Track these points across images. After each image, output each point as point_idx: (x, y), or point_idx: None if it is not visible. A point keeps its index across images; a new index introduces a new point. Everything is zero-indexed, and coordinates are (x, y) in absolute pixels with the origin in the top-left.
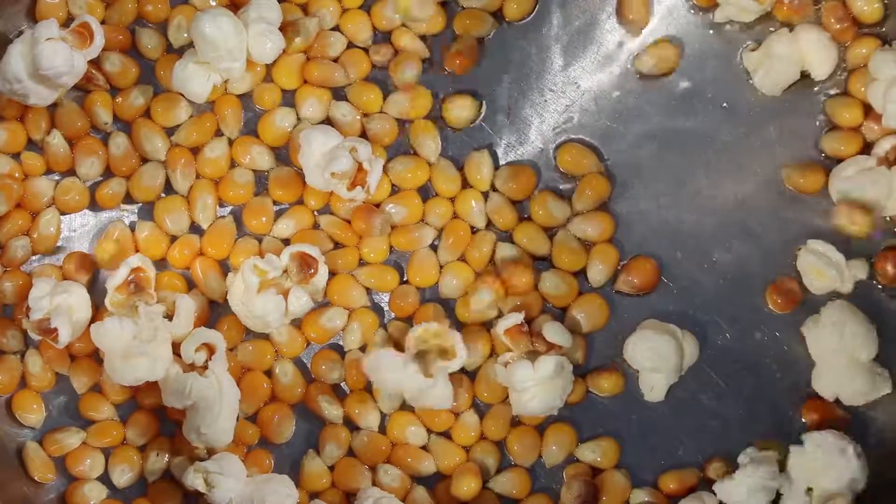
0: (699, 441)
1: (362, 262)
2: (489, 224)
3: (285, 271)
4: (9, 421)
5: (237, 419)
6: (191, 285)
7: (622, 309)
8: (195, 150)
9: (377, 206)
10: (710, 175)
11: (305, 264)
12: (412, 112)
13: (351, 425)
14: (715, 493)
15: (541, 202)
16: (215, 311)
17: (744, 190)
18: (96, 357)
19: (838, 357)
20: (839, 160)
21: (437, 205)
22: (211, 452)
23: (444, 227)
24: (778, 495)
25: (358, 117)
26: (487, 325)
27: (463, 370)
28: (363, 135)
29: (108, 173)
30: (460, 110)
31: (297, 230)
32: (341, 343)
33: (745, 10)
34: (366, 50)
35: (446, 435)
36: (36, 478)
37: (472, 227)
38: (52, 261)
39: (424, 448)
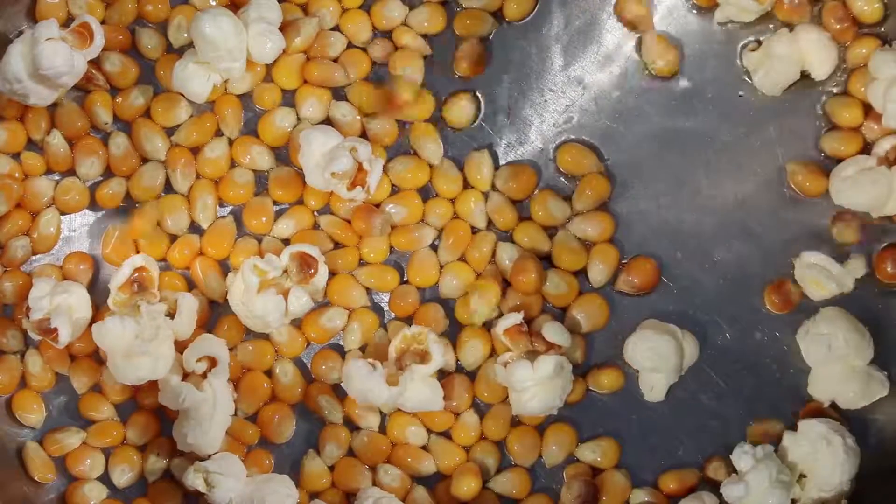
0: (699, 441)
1: (362, 262)
2: (489, 224)
3: (285, 271)
4: (9, 421)
5: (237, 419)
6: (191, 285)
7: (622, 309)
8: (195, 150)
9: (377, 206)
10: (710, 175)
11: (305, 264)
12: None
13: (351, 425)
14: (714, 494)
15: (541, 202)
16: (215, 311)
17: (744, 190)
18: (96, 357)
19: (833, 364)
20: (839, 160)
21: (437, 205)
22: None
23: (445, 227)
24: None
25: (358, 117)
26: (487, 325)
27: (463, 370)
28: (363, 135)
29: (108, 173)
30: (461, 111)
31: (297, 230)
32: (341, 343)
33: (745, 10)
34: (365, 49)
35: (446, 435)
36: (36, 478)
37: (472, 228)
38: (52, 261)
39: (424, 448)
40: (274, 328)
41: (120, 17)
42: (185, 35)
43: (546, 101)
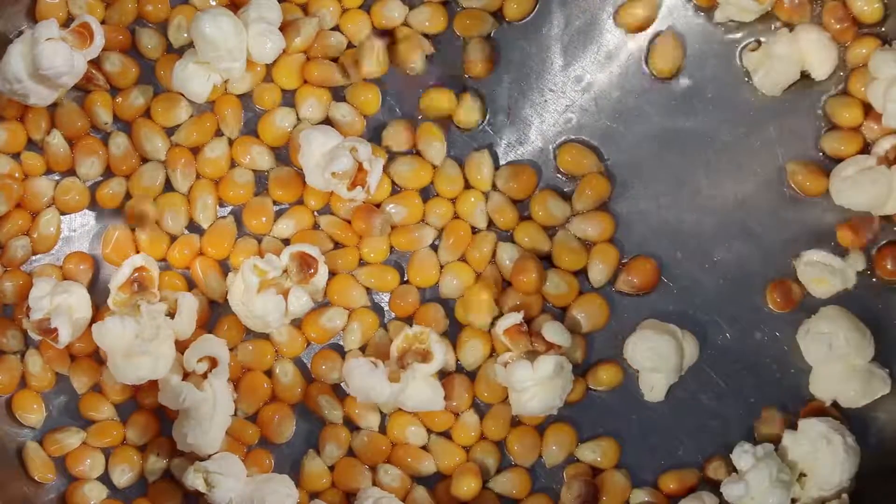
0: (699, 441)
1: (362, 262)
2: (490, 224)
3: (285, 271)
4: (9, 421)
5: (237, 419)
6: (191, 285)
7: (622, 309)
8: (195, 150)
9: (377, 206)
10: (710, 175)
11: (305, 264)
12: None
13: (351, 425)
14: (714, 494)
15: (541, 202)
16: (215, 311)
17: (744, 190)
18: (96, 357)
19: (834, 363)
20: (839, 160)
21: (437, 205)
22: None
23: (445, 227)
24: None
25: (358, 118)
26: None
27: (463, 370)
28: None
29: (108, 173)
30: (469, 111)
31: (297, 230)
32: (341, 343)
33: (745, 10)
34: None
35: (446, 435)
36: (36, 478)
37: (472, 228)
38: (52, 261)
39: (424, 448)
40: (274, 328)
41: (120, 17)
42: (185, 35)
43: (546, 101)
